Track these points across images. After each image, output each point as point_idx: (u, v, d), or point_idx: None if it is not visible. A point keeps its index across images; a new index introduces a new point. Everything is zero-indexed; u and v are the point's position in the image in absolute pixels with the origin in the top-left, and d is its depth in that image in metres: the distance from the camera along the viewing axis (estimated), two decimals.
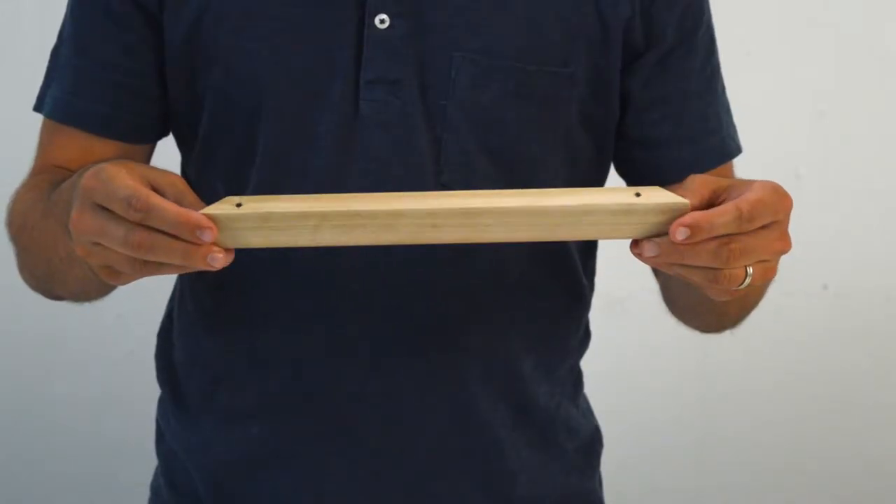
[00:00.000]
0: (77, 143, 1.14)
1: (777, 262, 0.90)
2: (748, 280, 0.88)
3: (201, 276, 1.17)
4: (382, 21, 1.08)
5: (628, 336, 2.25)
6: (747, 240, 0.87)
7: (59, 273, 1.06)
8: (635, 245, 0.89)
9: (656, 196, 0.88)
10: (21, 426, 2.26)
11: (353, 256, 1.10)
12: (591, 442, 1.24)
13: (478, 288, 1.13)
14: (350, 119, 1.08)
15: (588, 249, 1.21)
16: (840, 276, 2.31)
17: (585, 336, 1.24)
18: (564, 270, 1.18)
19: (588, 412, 1.26)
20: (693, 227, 0.85)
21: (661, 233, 0.87)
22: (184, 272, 0.90)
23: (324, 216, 0.85)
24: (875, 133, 2.28)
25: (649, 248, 0.87)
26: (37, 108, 1.17)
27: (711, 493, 2.35)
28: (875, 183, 2.29)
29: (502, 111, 1.09)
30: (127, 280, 0.91)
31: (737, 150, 1.19)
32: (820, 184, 2.23)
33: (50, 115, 1.16)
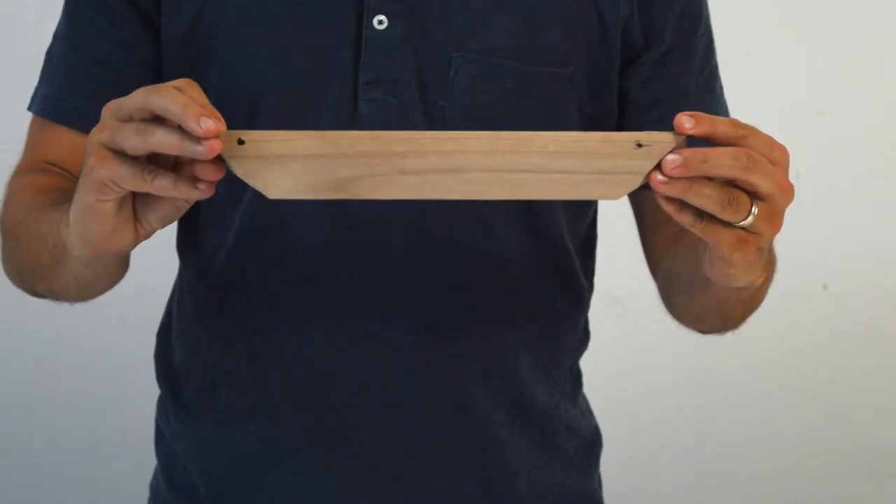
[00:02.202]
0: (67, 140, 1.14)
1: (783, 211, 0.90)
2: (750, 219, 0.88)
3: (201, 275, 1.17)
4: (381, 21, 1.08)
5: (628, 336, 2.25)
6: (759, 155, 0.86)
7: (43, 269, 1.05)
8: (657, 170, 0.86)
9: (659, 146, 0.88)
10: (21, 426, 2.27)
11: (352, 253, 1.10)
12: (591, 441, 1.24)
13: (477, 288, 1.13)
14: (348, 119, 1.08)
15: (586, 249, 1.21)
16: (840, 276, 2.31)
17: (584, 336, 1.24)
18: (563, 270, 1.18)
19: (587, 412, 1.26)
20: (696, 116, 0.86)
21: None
22: (172, 139, 0.85)
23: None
24: (875, 133, 2.29)
25: (673, 159, 0.85)
26: (30, 107, 1.17)
27: (711, 493, 2.35)
28: (875, 183, 2.29)
29: (501, 111, 1.09)
30: (109, 172, 0.87)
31: None
32: (820, 184, 2.23)
33: (39, 113, 1.16)
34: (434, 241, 1.10)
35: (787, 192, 0.89)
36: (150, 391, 1.27)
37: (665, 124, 1.14)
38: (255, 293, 1.13)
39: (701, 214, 0.87)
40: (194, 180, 0.87)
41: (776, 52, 2.26)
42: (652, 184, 0.86)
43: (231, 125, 1.10)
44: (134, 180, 0.87)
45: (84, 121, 1.12)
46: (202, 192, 0.87)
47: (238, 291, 1.14)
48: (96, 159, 0.88)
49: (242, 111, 1.10)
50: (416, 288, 1.11)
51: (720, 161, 0.85)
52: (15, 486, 2.26)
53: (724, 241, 0.89)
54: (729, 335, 1.17)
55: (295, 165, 0.88)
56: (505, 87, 1.09)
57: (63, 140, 1.14)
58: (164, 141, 0.85)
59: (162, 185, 0.87)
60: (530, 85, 1.09)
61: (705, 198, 0.86)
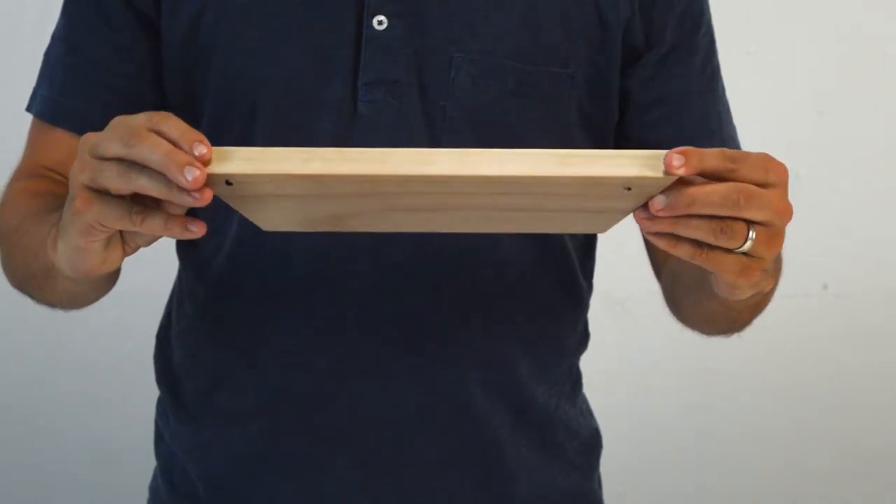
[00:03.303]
0: (66, 144, 1.13)
1: (783, 230, 0.90)
2: (749, 244, 0.87)
3: (200, 277, 1.17)
4: (380, 22, 1.07)
5: (628, 336, 2.25)
6: (751, 187, 0.85)
7: (36, 279, 1.05)
8: (642, 208, 0.86)
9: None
10: (20, 426, 2.26)
11: (352, 257, 1.10)
12: (591, 442, 1.24)
13: (476, 289, 1.13)
14: (348, 120, 1.08)
15: (586, 250, 1.21)
16: (840, 276, 2.31)
17: (584, 336, 1.24)
18: (563, 271, 1.18)
19: (587, 412, 1.26)
20: (685, 154, 0.84)
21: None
22: (159, 188, 0.82)
23: (314, 152, 0.84)
24: (875, 133, 2.28)
25: (659, 201, 0.85)
26: (28, 108, 1.17)
27: (711, 493, 2.35)
28: (875, 183, 2.29)
29: (502, 112, 1.09)
30: (95, 216, 0.85)
31: None
32: (820, 184, 2.23)
33: (38, 115, 1.15)
34: (433, 244, 1.10)
35: (786, 213, 0.87)
36: (149, 392, 1.27)
37: (666, 124, 1.15)
38: (255, 296, 1.13)
39: (700, 244, 0.86)
40: (185, 220, 0.85)
41: (776, 52, 2.25)
42: (637, 221, 0.85)
43: (230, 125, 1.11)
44: (122, 222, 0.85)
45: (83, 124, 1.12)
46: (194, 234, 0.85)
47: (237, 294, 1.14)
48: (82, 203, 0.85)
49: (242, 111, 1.10)
50: (415, 290, 1.11)
51: (708, 200, 0.83)
52: (14, 486, 2.26)
53: (727, 268, 0.88)
54: None
55: (286, 203, 0.86)
56: (505, 86, 1.09)
57: (62, 144, 1.13)
58: (149, 187, 0.82)
59: (152, 226, 0.85)
60: (531, 85, 1.09)
61: (694, 228, 0.85)
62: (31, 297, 1.11)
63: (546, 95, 1.10)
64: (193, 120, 1.13)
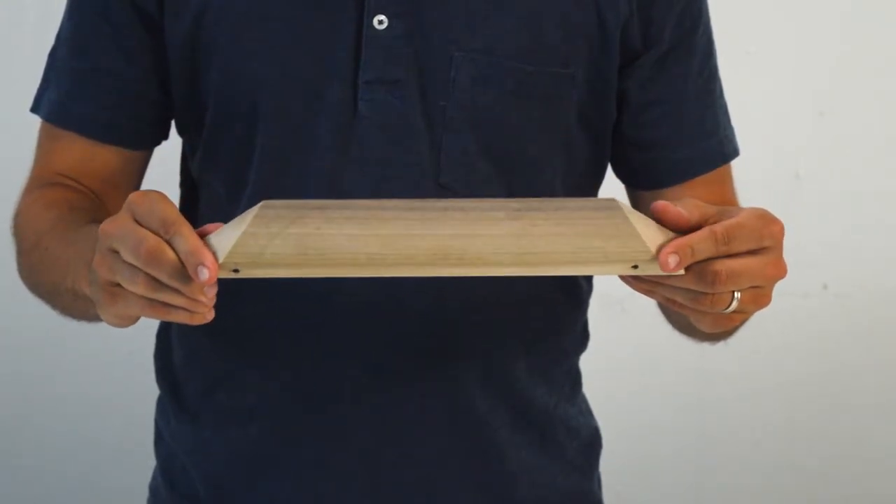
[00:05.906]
0: (77, 148, 1.14)
1: (771, 289, 0.90)
2: (734, 304, 0.87)
3: None
4: (381, 22, 1.08)
5: (628, 336, 2.25)
6: (732, 263, 0.86)
7: (60, 299, 1.07)
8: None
9: (653, 271, 0.88)
10: (21, 426, 2.26)
11: None
12: (591, 442, 1.24)
13: (476, 289, 1.12)
14: (349, 120, 1.08)
15: None
16: (840, 276, 2.31)
17: (584, 337, 1.24)
18: None
19: (587, 412, 1.26)
20: (678, 251, 0.85)
21: None
22: (181, 301, 0.87)
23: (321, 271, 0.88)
24: (875, 133, 2.28)
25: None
26: (34, 110, 1.17)
27: (710, 493, 2.35)
28: (875, 183, 2.29)
29: (502, 111, 1.09)
30: (121, 310, 0.91)
31: (734, 153, 1.19)
32: (820, 184, 2.23)
33: (48, 119, 1.16)
34: None
35: (776, 276, 0.89)
36: (149, 392, 1.27)
37: (663, 125, 1.15)
38: (254, 296, 1.13)
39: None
40: (205, 314, 0.88)
41: (776, 52, 2.25)
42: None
43: (231, 126, 1.11)
44: (145, 314, 0.90)
45: (92, 126, 1.13)
46: (208, 321, 0.89)
47: (237, 294, 1.14)
48: (107, 299, 0.91)
49: (242, 111, 1.10)
50: (415, 290, 1.11)
51: (681, 283, 0.86)
52: (13, 486, 2.26)
53: (705, 322, 0.90)
54: None
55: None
56: (505, 87, 1.09)
57: (73, 148, 1.14)
58: (172, 300, 0.87)
59: (177, 318, 0.89)
60: (531, 85, 1.09)
61: (672, 293, 0.87)
62: (53, 308, 1.11)
63: (546, 96, 1.10)
64: (197, 120, 1.13)
